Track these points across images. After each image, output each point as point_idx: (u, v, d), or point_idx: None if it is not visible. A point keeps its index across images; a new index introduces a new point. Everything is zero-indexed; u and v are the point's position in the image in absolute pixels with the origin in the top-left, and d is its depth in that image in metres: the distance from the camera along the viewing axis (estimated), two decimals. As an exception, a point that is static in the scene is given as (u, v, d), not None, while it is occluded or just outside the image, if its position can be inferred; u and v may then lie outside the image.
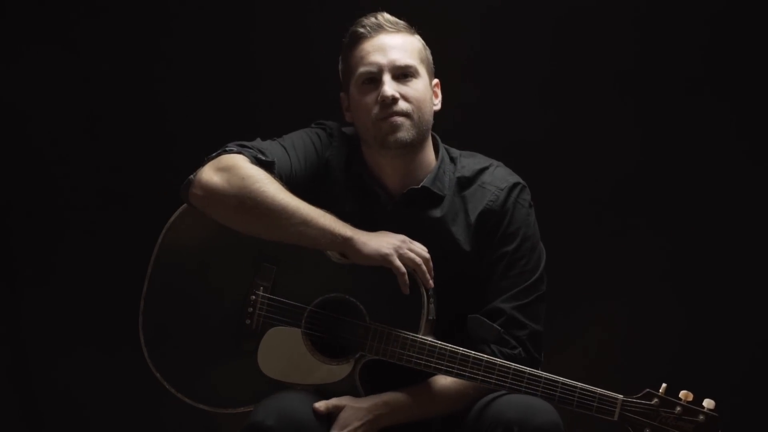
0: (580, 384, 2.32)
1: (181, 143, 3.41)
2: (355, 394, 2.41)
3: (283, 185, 2.43)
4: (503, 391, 2.36)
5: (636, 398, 2.30)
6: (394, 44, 2.50)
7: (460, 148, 2.62)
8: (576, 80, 3.39)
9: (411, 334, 2.38)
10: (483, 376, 2.35)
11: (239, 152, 2.46)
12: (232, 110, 3.43)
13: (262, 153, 2.48)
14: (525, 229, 2.51)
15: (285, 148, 2.52)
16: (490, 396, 2.39)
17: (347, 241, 2.39)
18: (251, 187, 2.40)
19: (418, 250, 2.40)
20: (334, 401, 2.38)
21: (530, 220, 2.53)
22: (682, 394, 2.28)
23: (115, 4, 3.44)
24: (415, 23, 2.57)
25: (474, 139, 2.73)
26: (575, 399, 2.31)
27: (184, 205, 2.50)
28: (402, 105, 2.47)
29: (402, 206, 2.52)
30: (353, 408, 2.37)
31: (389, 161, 2.52)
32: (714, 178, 3.37)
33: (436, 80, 2.58)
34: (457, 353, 2.36)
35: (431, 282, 2.40)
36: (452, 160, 2.58)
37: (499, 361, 2.36)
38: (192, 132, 3.41)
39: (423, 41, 2.57)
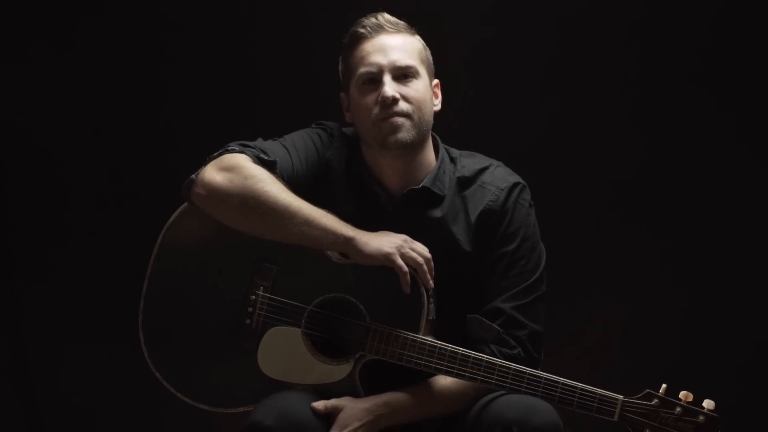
0: (580, 384, 2.32)
1: (181, 143, 3.41)
2: (355, 394, 2.41)
3: (285, 185, 2.43)
4: (503, 391, 2.36)
5: (636, 399, 2.30)
6: (395, 45, 2.50)
7: (460, 148, 2.62)
8: (576, 80, 3.38)
9: (411, 334, 2.39)
10: (483, 376, 2.35)
11: (241, 151, 2.46)
12: (232, 110, 3.43)
13: (264, 152, 2.48)
14: (525, 229, 2.51)
15: (286, 148, 2.52)
16: (490, 396, 2.39)
17: (349, 241, 2.39)
18: (254, 187, 2.40)
19: (419, 249, 2.41)
20: (333, 401, 2.38)
21: (530, 220, 2.53)
22: (682, 394, 2.28)
23: (117, 3, 3.44)
24: (415, 23, 2.57)
25: (474, 139, 2.73)
26: (575, 399, 2.31)
27: (185, 204, 2.50)
28: (402, 105, 2.47)
29: (402, 206, 2.52)
30: (353, 408, 2.37)
31: (389, 161, 2.52)
32: (714, 178, 3.37)
33: (436, 80, 2.58)
34: (457, 353, 2.36)
35: (431, 282, 2.40)
36: (452, 160, 2.58)
37: (499, 361, 2.36)
38: (192, 132, 3.41)
39: (423, 41, 2.57)
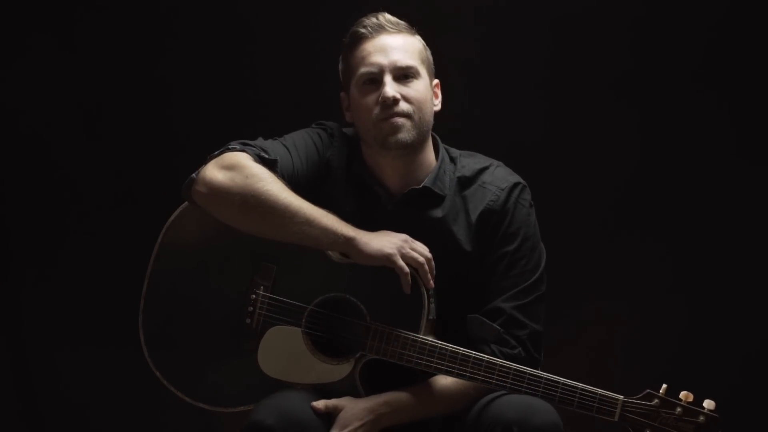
0: (580, 384, 2.32)
1: (181, 142, 3.41)
2: (356, 393, 2.40)
3: (286, 185, 2.43)
4: (503, 391, 2.36)
5: (636, 399, 2.30)
6: (395, 45, 2.50)
7: (460, 148, 2.62)
8: (576, 80, 3.38)
9: (411, 334, 2.38)
10: (483, 376, 2.35)
11: (242, 150, 2.46)
12: (232, 110, 3.43)
13: (265, 151, 2.48)
14: (525, 229, 2.51)
15: (287, 148, 2.52)
16: (490, 396, 2.39)
17: (350, 241, 2.39)
18: (255, 186, 2.40)
19: (420, 249, 2.41)
20: (333, 401, 2.38)
21: (531, 220, 2.53)
22: (683, 394, 2.28)
23: (117, 3, 3.44)
24: (416, 23, 2.57)
25: (474, 139, 2.73)
26: (576, 399, 2.31)
27: (185, 203, 2.50)
28: (403, 106, 2.47)
29: (403, 206, 2.52)
30: (353, 408, 2.37)
31: (390, 161, 2.52)
32: (714, 178, 3.37)
33: (436, 81, 2.58)
34: (457, 353, 2.36)
35: (432, 282, 2.40)
36: (452, 160, 2.58)
37: (499, 361, 2.36)
38: (192, 131, 3.41)
39: (423, 42, 2.57)
